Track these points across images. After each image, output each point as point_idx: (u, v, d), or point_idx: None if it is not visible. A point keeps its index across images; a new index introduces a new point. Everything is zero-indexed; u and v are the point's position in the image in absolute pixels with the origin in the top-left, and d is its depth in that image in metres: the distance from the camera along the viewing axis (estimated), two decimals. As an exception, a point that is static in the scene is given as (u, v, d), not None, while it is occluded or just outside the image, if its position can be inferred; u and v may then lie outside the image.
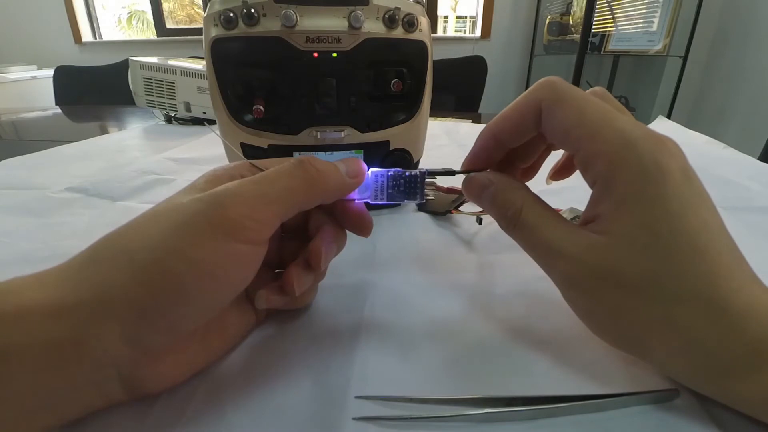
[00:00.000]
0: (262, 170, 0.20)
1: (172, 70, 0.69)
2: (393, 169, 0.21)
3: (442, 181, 0.38)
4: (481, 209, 0.22)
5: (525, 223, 0.18)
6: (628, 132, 0.15)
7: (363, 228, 0.21)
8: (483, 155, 0.20)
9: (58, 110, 1.02)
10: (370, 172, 0.21)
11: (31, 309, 0.13)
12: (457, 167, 0.22)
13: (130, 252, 0.15)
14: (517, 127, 0.19)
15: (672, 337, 0.15)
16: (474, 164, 0.21)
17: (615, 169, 0.15)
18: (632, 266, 0.15)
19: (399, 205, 0.37)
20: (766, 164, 0.48)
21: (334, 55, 0.28)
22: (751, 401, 0.14)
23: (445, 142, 0.62)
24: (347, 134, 0.31)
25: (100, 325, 0.13)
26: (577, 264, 0.16)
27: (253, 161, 0.20)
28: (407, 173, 0.21)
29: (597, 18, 1.72)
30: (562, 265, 0.17)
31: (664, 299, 0.14)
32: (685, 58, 1.63)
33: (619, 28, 1.69)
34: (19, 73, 2.05)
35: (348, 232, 0.22)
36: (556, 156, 0.24)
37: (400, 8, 0.29)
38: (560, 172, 0.24)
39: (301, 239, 0.21)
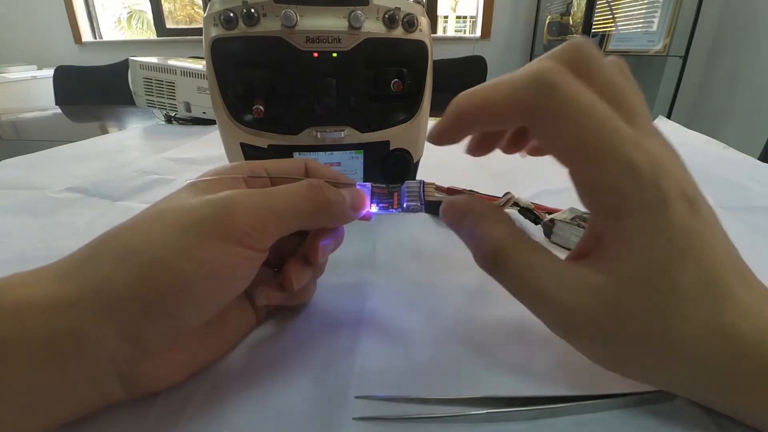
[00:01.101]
0: (261, 175, 0.20)
1: (172, 70, 0.69)
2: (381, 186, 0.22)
3: (442, 181, 0.38)
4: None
5: (508, 264, 0.15)
6: (634, 161, 0.14)
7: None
8: (449, 134, 0.17)
9: (58, 110, 1.02)
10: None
11: (30, 304, 0.13)
12: (457, 167, 0.22)
13: (133, 250, 0.15)
14: (496, 121, 0.16)
15: (682, 368, 0.14)
16: (441, 136, 0.17)
17: (619, 205, 0.14)
18: (639, 309, 0.14)
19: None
20: (766, 164, 0.48)
21: (334, 55, 0.28)
22: (763, 419, 0.14)
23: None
24: (347, 134, 0.31)
25: (101, 322, 0.13)
26: (575, 311, 0.14)
27: (254, 162, 0.20)
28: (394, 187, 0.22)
29: (597, 18, 1.72)
30: (557, 315, 0.15)
31: (673, 338, 0.14)
32: (685, 58, 1.63)
33: (619, 28, 1.69)
34: (19, 73, 2.05)
35: (347, 228, 0.22)
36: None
37: (400, 8, 0.29)
38: (539, 149, 0.20)
39: (299, 235, 0.21)
